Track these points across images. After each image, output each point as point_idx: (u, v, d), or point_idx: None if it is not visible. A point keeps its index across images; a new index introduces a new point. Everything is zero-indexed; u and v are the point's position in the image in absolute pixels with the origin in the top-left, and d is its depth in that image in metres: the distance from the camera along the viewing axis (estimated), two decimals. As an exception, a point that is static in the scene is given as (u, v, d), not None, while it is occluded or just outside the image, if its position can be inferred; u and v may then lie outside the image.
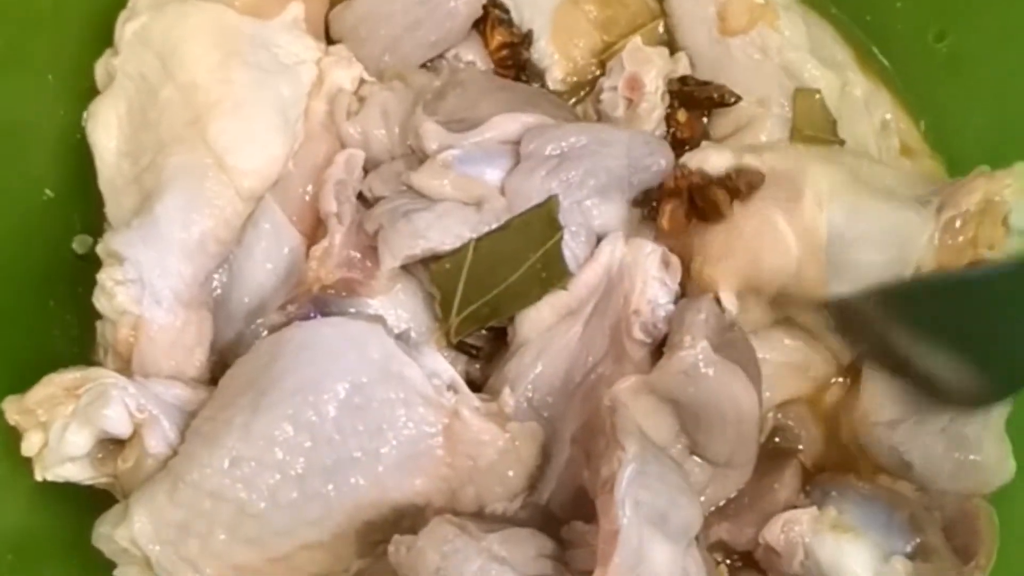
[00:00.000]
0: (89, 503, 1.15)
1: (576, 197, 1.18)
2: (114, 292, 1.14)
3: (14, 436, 1.10)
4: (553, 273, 1.17)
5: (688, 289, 1.21)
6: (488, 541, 1.01)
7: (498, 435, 1.11)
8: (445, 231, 1.13)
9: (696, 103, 1.33)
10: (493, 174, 1.17)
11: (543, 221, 1.16)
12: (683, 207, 1.19)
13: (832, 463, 1.27)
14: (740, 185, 1.16)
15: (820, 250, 1.16)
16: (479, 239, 1.14)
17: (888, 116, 1.38)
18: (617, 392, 1.12)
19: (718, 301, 1.17)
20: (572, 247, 1.18)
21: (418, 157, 1.20)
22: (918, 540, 1.14)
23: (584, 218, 1.19)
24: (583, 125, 1.22)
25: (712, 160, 1.20)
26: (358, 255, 1.19)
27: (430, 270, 1.15)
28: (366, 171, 1.24)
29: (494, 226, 1.15)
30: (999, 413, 1.18)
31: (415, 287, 1.21)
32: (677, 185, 1.19)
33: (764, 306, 1.23)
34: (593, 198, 1.19)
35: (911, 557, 1.12)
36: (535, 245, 1.15)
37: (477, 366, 1.25)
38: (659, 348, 1.16)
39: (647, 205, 1.23)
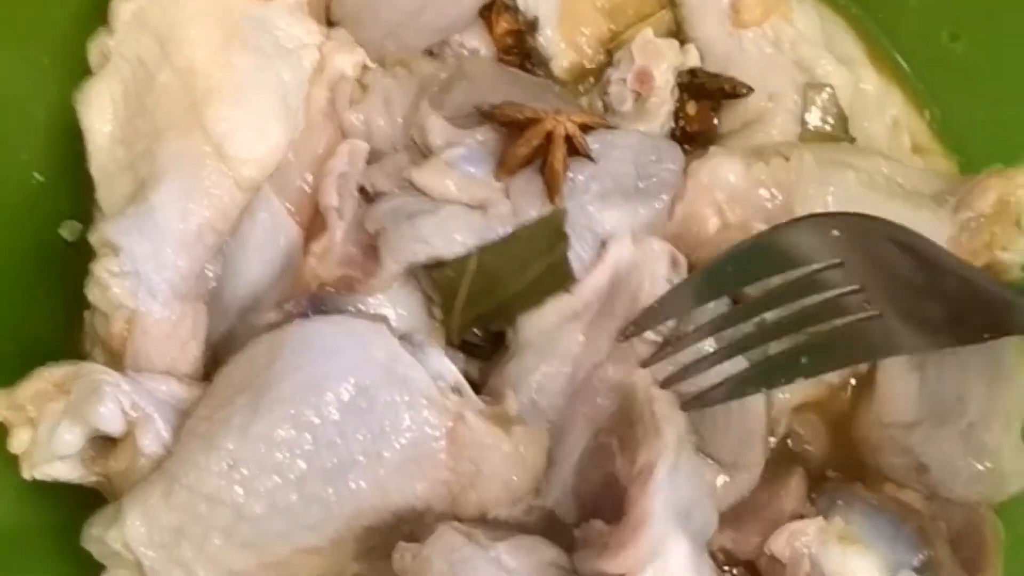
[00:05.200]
0: (78, 500, 1.12)
1: (580, 201, 1.15)
2: (109, 284, 1.10)
3: (1, 431, 1.07)
4: (558, 279, 1.14)
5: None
6: (496, 550, 0.99)
7: (502, 439, 1.08)
8: (449, 238, 1.10)
9: (707, 95, 1.30)
10: (499, 174, 1.14)
11: (549, 231, 1.13)
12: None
13: (839, 470, 1.25)
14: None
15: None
16: (484, 248, 1.11)
17: (899, 113, 1.36)
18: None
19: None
20: (577, 250, 1.15)
21: (421, 151, 1.17)
22: (926, 553, 1.12)
23: (588, 221, 1.16)
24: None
25: (722, 169, 1.19)
26: (358, 252, 1.15)
27: (431, 276, 1.13)
28: (368, 162, 1.19)
29: (500, 231, 1.12)
30: (1019, 419, 1.18)
31: (412, 284, 1.17)
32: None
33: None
34: (596, 203, 1.16)
35: (919, 571, 1.11)
36: (540, 254, 1.13)
37: (476, 365, 1.22)
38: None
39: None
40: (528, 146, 1.12)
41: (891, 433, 1.19)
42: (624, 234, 1.17)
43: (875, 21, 1.39)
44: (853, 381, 1.26)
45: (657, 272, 1.15)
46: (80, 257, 1.18)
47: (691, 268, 1.18)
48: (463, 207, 1.12)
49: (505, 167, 1.13)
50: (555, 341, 1.16)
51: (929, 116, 1.39)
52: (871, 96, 1.34)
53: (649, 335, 1.13)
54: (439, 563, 0.97)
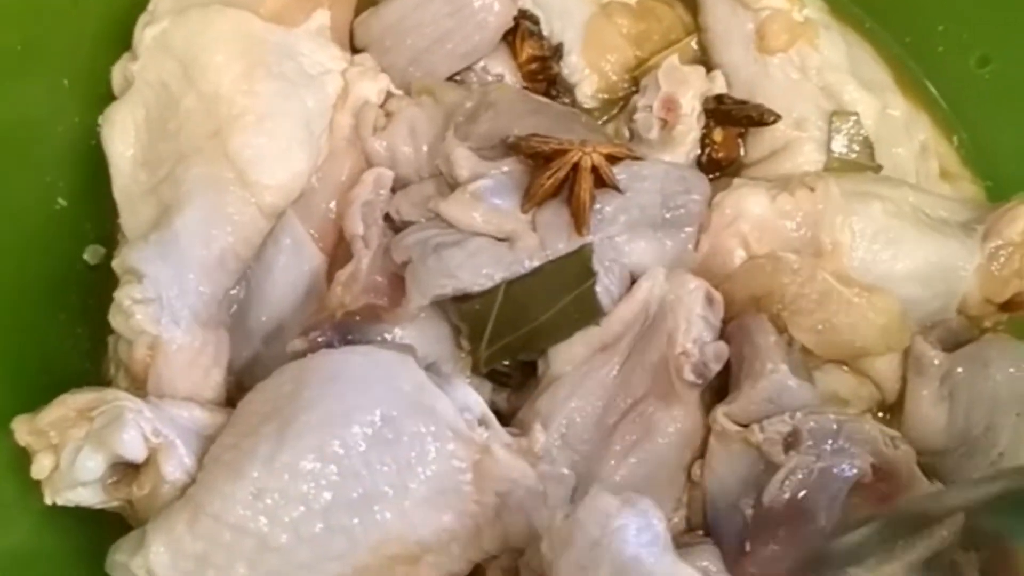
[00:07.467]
0: (99, 526, 1.11)
1: (608, 233, 1.15)
2: (132, 311, 1.09)
3: (23, 456, 1.06)
4: (586, 312, 1.14)
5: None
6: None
7: (528, 473, 1.07)
8: (476, 271, 1.10)
9: (734, 122, 1.30)
10: (525, 206, 1.14)
11: (577, 267, 1.13)
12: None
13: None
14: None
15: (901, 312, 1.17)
16: (511, 282, 1.11)
17: (927, 139, 1.36)
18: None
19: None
20: (606, 283, 1.14)
21: (447, 181, 1.16)
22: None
23: (616, 254, 1.16)
24: (617, 158, 1.19)
25: (747, 201, 1.19)
26: (383, 280, 1.15)
27: (459, 308, 1.13)
28: (392, 189, 1.20)
29: (527, 265, 1.11)
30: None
31: (438, 315, 1.17)
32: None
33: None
34: (624, 235, 1.16)
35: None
36: (568, 288, 1.13)
37: (504, 395, 1.21)
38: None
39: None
40: (554, 178, 1.11)
41: (920, 461, 1.16)
42: (657, 269, 1.16)
43: (903, 46, 1.39)
44: (881, 413, 1.26)
45: (693, 310, 1.14)
46: (103, 282, 1.18)
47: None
48: (490, 240, 1.12)
49: (532, 199, 1.12)
50: (587, 374, 1.15)
51: (957, 142, 1.38)
52: (899, 122, 1.34)
53: (689, 375, 1.12)
54: (592, 528, 0.92)
